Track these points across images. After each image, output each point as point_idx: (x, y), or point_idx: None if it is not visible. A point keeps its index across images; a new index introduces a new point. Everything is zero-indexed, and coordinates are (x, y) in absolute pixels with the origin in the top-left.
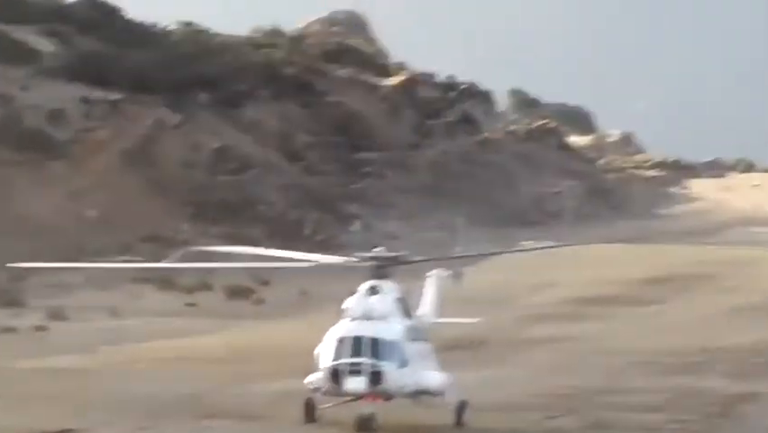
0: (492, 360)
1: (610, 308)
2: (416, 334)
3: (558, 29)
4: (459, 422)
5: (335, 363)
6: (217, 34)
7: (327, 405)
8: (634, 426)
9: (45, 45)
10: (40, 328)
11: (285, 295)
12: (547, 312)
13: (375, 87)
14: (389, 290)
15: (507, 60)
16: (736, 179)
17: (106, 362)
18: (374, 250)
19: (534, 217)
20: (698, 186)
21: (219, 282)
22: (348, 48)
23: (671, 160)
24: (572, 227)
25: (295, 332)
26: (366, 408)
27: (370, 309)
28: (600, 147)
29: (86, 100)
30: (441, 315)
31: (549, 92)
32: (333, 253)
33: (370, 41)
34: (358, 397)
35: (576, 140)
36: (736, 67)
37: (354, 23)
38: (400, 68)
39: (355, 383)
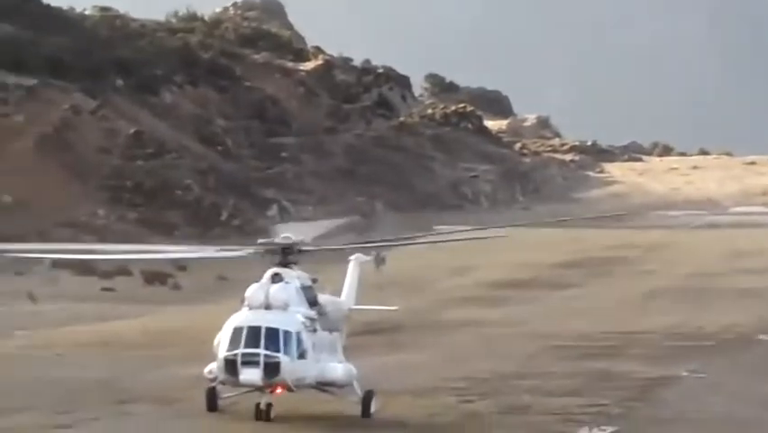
0: (409, 344)
1: (527, 292)
2: (324, 323)
3: (473, 13)
4: (366, 414)
5: (230, 353)
6: (134, 19)
7: (230, 394)
8: (550, 410)
9: None
10: None
11: (203, 280)
12: (465, 296)
13: (291, 72)
14: (293, 277)
15: (423, 45)
16: (652, 162)
17: (22, 346)
18: (281, 236)
19: (451, 201)
20: (614, 170)
21: (137, 267)
22: (264, 32)
23: (587, 143)
24: (489, 211)
25: (212, 317)
26: (264, 397)
27: (269, 298)
28: (517, 131)
29: (2, 86)
30: (360, 300)
31: (465, 77)
32: (250, 238)
33: (286, 25)
34: (257, 388)
35: (493, 124)
36: (650, 50)
37: (270, 8)
38: (316, 52)
39: (250, 374)
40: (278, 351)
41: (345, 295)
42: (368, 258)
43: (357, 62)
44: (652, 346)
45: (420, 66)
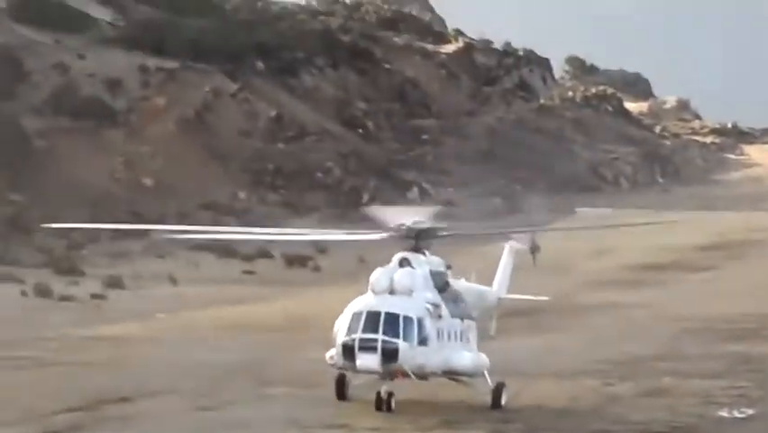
0: (552, 326)
1: (667, 275)
2: (455, 310)
3: None
4: (496, 405)
5: (348, 338)
6: (274, 2)
7: (359, 382)
8: (691, 393)
9: (102, 13)
10: (97, 297)
11: (343, 262)
12: (605, 279)
13: (432, 55)
14: (422, 263)
15: (564, 27)
16: None
17: (165, 329)
18: (413, 221)
19: (590, 183)
20: (754, 152)
21: (277, 250)
22: (404, 15)
23: (727, 126)
24: (630, 193)
25: (351, 299)
26: (384, 386)
27: (393, 283)
28: (657, 113)
29: (143, 68)
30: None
31: (606, 59)
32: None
33: (427, 8)
34: (375, 374)
35: (633, 106)
36: None
37: None
38: (457, 35)
39: (367, 360)
40: (396, 336)
41: (497, 284)
42: (522, 246)
43: (497, 45)
44: None
45: (560, 48)
